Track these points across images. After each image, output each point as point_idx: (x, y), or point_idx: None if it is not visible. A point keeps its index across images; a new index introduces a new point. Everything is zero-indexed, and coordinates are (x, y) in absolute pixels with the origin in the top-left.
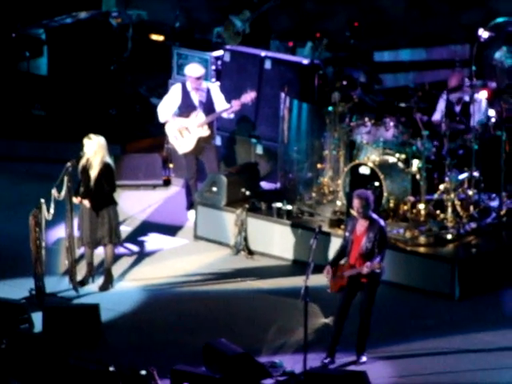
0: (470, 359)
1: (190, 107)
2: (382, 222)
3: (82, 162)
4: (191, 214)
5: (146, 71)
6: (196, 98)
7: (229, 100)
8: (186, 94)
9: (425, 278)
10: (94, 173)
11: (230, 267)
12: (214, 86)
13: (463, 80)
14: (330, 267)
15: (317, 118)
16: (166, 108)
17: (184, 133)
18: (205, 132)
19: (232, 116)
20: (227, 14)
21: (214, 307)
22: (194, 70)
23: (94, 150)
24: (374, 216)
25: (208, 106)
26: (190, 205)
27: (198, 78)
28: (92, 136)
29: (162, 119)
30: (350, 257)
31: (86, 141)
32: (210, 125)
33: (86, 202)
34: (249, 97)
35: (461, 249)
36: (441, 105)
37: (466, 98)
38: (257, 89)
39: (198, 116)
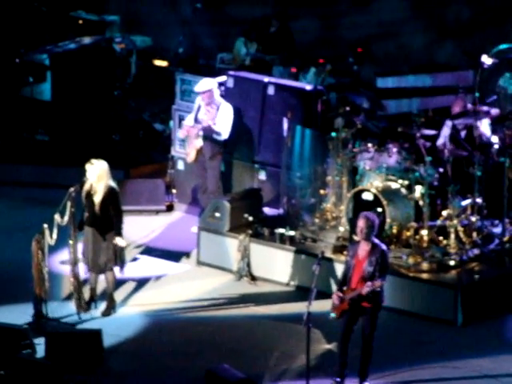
0: None
1: (196, 120)
2: (384, 247)
3: (86, 187)
4: (195, 228)
5: (150, 97)
6: (203, 111)
7: (232, 125)
8: (199, 106)
9: (427, 304)
10: (98, 198)
11: (233, 293)
12: (225, 105)
13: (466, 106)
14: (339, 292)
15: (320, 144)
16: (189, 117)
17: (188, 143)
18: (198, 144)
19: (219, 137)
20: (231, 40)
21: (217, 333)
22: (198, 85)
23: (97, 175)
24: (376, 240)
25: (212, 121)
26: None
27: (202, 93)
28: (94, 161)
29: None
30: (351, 281)
31: (88, 166)
32: (212, 141)
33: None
34: (206, 122)
35: (464, 275)
36: (445, 130)
37: (470, 123)
38: (260, 114)
39: (196, 128)
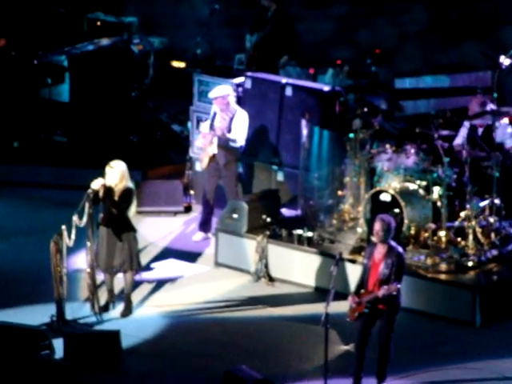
0: None
1: (212, 126)
2: (400, 249)
3: (105, 188)
4: (197, 235)
5: (167, 98)
6: (219, 118)
7: (250, 126)
8: (215, 112)
9: (446, 305)
10: (116, 199)
11: (251, 294)
12: (240, 113)
13: (484, 106)
14: (355, 295)
15: (338, 145)
16: (205, 123)
17: (203, 149)
18: (212, 151)
19: (235, 144)
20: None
21: (235, 334)
22: (212, 91)
23: (119, 178)
24: (393, 243)
25: (225, 129)
26: (199, 226)
27: (215, 99)
28: (114, 164)
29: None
30: (368, 283)
31: (108, 170)
32: (226, 149)
33: None
34: (219, 130)
35: (482, 276)
36: (463, 131)
37: (489, 123)
38: (278, 115)
39: (212, 135)
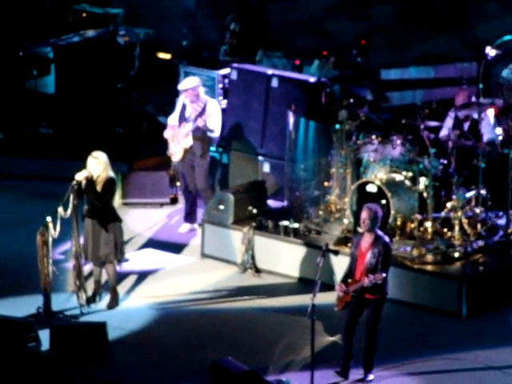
0: (477, 377)
1: (182, 118)
2: (386, 239)
3: (87, 179)
4: (183, 227)
5: (153, 89)
6: (190, 110)
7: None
8: (184, 104)
9: (432, 296)
10: (98, 189)
11: (237, 285)
12: (211, 102)
13: (470, 97)
14: (343, 284)
15: (324, 136)
16: (172, 116)
17: (175, 142)
18: (188, 143)
19: (213, 134)
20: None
21: (221, 325)
22: (182, 83)
23: (101, 168)
24: (379, 232)
25: (204, 120)
26: (185, 217)
27: (187, 91)
28: (95, 154)
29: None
30: (355, 273)
31: (90, 159)
32: (202, 139)
33: None
34: (201, 121)
35: (468, 267)
36: (448, 122)
37: (475, 116)
38: (264, 107)
39: (185, 127)
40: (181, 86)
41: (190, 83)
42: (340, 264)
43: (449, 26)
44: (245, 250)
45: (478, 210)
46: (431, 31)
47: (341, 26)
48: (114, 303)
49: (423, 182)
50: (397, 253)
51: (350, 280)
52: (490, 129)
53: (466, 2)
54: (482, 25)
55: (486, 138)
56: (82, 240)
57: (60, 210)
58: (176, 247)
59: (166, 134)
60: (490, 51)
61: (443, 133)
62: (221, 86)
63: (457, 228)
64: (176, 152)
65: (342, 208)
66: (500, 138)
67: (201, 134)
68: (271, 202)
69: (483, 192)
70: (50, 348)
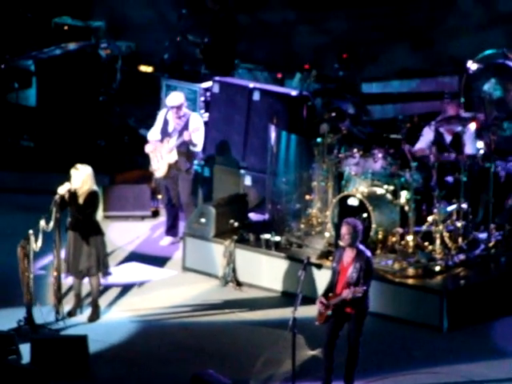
0: None
1: (165, 133)
2: (368, 253)
3: (70, 192)
4: (165, 240)
5: (135, 102)
6: (172, 124)
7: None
8: (166, 119)
9: (413, 310)
10: (80, 202)
11: (219, 298)
12: (194, 116)
13: (459, 110)
14: (323, 298)
15: (305, 150)
16: (153, 131)
17: (158, 157)
18: (172, 158)
19: (196, 149)
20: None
21: (202, 338)
22: (171, 99)
23: (82, 180)
24: (361, 247)
25: (182, 134)
26: (166, 231)
27: (177, 107)
28: (79, 166)
29: (148, 139)
30: (336, 287)
31: (73, 172)
32: (187, 154)
33: None
34: (187, 135)
35: (449, 280)
36: (428, 135)
37: (457, 129)
38: (245, 120)
39: (170, 142)
40: (169, 103)
41: (178, 100)
42: (321, 277)
43: (429, 40)
44: (226, 263)
45: (459, 224)
46: (412, 45)
47: (322, 39)
48: (95, 316)
49: (404, 195)
50: (378, 266)
51: (330, 294)
52: (472, 142)
53: (446, 16)
54: (463, 39)
55: (467, 151)
56: (64, 253)
57: (42, 223)
58: (158, 260)
59: (148, 149)
60: (472, 65)
61: (419, 144)
62: (203, 99)
63: (438, 242)
64: (160, 167)
65: (323, 221)
66: (481, 151)
67: (185, 149)
68: (253, 215)
69: (464, 206)
70: (30, 361)
